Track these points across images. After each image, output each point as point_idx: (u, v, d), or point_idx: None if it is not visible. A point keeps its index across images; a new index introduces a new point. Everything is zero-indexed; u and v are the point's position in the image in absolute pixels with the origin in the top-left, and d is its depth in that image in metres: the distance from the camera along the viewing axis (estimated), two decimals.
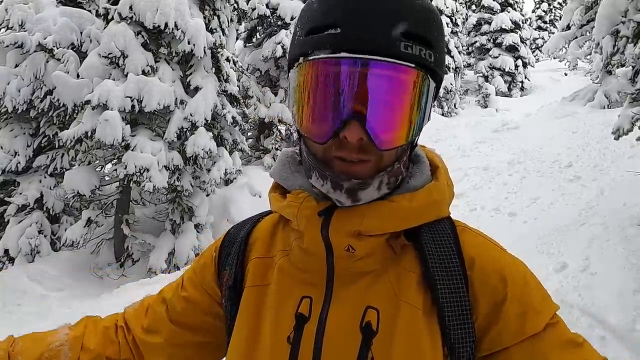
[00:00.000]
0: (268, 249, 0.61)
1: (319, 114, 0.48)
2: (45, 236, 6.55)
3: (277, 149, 9.15)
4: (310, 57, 0.47)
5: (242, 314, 0.58)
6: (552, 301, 0.54)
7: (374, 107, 0.46)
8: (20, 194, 6.60)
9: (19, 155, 6.63)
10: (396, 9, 0.47)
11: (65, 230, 6.45)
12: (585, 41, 10.53)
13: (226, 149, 7.15)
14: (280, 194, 0.58)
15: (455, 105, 14.27)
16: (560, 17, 13.90)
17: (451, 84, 13.75)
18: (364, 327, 0.49)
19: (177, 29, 5.99)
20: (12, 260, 6.34)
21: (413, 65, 0.46)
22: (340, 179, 0.49)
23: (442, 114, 13.25)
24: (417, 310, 0.50)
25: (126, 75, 5.87)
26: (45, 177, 6.77)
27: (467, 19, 17.26)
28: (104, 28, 6.11)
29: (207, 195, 6.92)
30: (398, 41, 0.46)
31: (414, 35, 0.47)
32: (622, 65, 9.44)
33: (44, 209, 6.65)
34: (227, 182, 7.60)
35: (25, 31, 6.24)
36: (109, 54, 5.86)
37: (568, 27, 11.01)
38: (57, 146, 6.81)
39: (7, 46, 6.19)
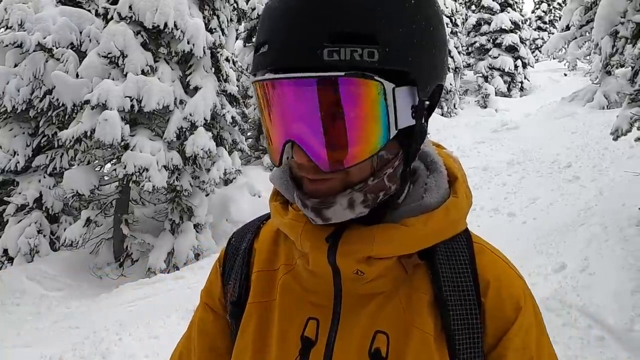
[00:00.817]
0: (271, 261, 0.57)
1: (269, 137, 0.46)
2: (44, 236, 6.55)
3: None
4: (254, 79, 0.45)
5: (246, 332, 0.54)
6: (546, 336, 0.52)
7: (306, 128, 0.41)
8: (20, 193, 6.59)
9: (18, 154, 6.62)
10: (323, 9, 0.39)
11: (65, 230, 6.45)
12: (585, 42, 10.55)
13: (225, 148, 7.15)
14: (282, 203, 0.53)
15: (454, 106, 14.28)
16: (560, 18, 13.92)
17: (451, 84, 13.76)
18: (372, 353, 0.47)
19: (177, 29, 5.99)
20: (11, 260, 6.33)
21: (341, 74, 0.38)
22: (305, 198, 0.45)
23: (442, 114, 13.26)
24: (428, 336, 0.47)
25: (125, 75, 5.87)
26: (44, 177, 6.77)
27: (466, 19, 17.27)
28: (104, 28, 6.11)
29: (207, 195, 6.92)
30: (320, 48, 0.38)
31: (344, 36, 0.38)
32: (622, 66, 9.46)
33: (43, 208, 6.64)
34: (227, 182, 7.60)
35: (24, 31, 6.23)
36: (109, 53, 5.86)
37: (567, 28, 11.02)
38: (56, 146, 6.81)
39: (7, 46, 6.19)
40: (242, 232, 0.63)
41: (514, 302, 0.49)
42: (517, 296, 0.50)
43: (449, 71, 13.91)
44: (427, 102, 0.46)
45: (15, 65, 6.50)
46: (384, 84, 0.40)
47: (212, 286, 0.61)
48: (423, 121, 0.47)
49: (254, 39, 10.34)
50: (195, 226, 6.65)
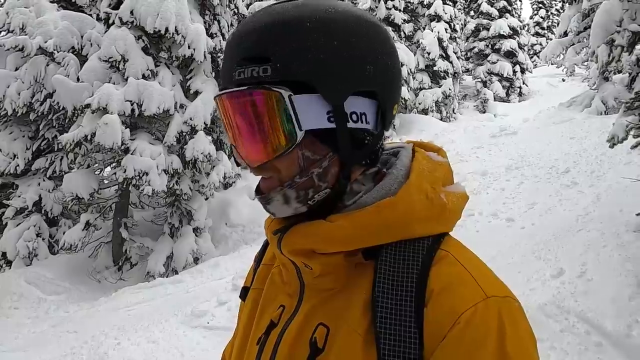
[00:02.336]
0: (272, 257, 0.65)
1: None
2: (43, 239, 6.54)
3: None
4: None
5: (243, 312, 0.65)
6: None
7: (235, 133, 0.52)
8: (19, 196, 6.59)
9: (17, 158, 6.63)
10: (241, 39, 0.51)
11: (64, 233, 6.45)
12: (583, 48, 10.63)
13: (225, 152, 7.17)
14: None
15: (453, 110, 14.34)
16: (558, 24, 14.04)
17: (450, 89, 13.83)
18: (312, 342, 0.51)
19: (178, 34, 6.03)
20: (9, 263, 6.32)
21: (244, 88, 0.49)
22: (257, 194, 0.55)
23: (441, 119, 13.32)
24: (358, 335, 0.48)
25: (126, 79, 5.90)
26: (43, 180, 6.77)
27: (465, 25, 17.39)
28: (105, 32, 6.15)
29: (206, 199, 6.93)
30: (233, 71, 0.50)
31: (247, 59, 0.49)
32: (619, 72, 9.53)
33: (42, 212, 6.64)
34: (226, 185, 7.62)
35: (26, 35, 6.27)
36: (110, 57, 5.89)
37: (565, 34, 11.11)
38: (56, 149, 6.82)
39: (8, 49, 6.22)
40: None
41: (453, 314, 0.45)
42: (459, 309, 0.45)
43: (448, 76, 14.01)
44: (358, 109, 0.50)
45: (16, 69, 6.53)
46: (281, 92, 0.47)
47: (248, 273, 0.72)
48: (368, 126, 0.51)
49: None
50: (195, 230, 6.65)
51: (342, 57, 0.49)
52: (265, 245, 0.68)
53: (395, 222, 0.49)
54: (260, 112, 0.49)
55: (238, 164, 0.56)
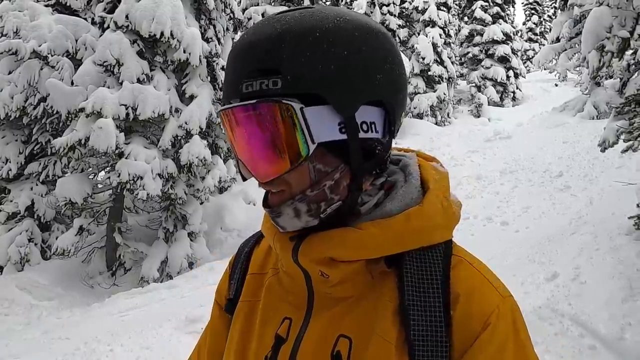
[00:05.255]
0: (263, 265, 0.63)
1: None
2: (35, 244, 6.46)
3: None
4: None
5: (234, 327, 0.60)
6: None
7: (242, 147, 0.50)
8: (11, 201, 6.52)
9: (10, 162, 6.57)
10: (248, 52, 0.48)
11: (56, 238, 6.38)
12: (575, 53, 10.78)
13: (221, 157, 7.15)
14: None
15: (448, 115, 14.43)
16: (550, 30, 14.22)
17: (444, 94, 13.94)
18: (334, 356, 0.49)
19: (173, 38, 6.03)
20: (0, 268, 6.23)
21: (254, 102, 0.47)
22: (265, 208, 0.53)
23: (436, 123, 13.40)
24: (390, 344, 0.48)
25: (121, 83, 5.88)
26: (36, 185, 6.71)
27: (459, 30, 17.57)
28: (100, 36, 6.13)
29: (201, 203, 6.89)
30: (240, 84, 0.48)
31: (255, 71, 0.47)
32: (611, 77, 9.67)
33: (35, 216, 6.57)
34: (222, 190, 7.59)
35: (19, 38, 6.23)
36: (104, 61, 5.88)
37: (558, 40, 11.26)
38: (49, 153, 6.76)
39: (2, 53, 6.18)
40: (249, 239, 0.70)
41: (482, 317, 0.47)
42: (487, 312, 0.48)
43: (442, 81, 14.13)
44: (371, 120, 0.50)
45: (10, 73, 6.48)
46: (292, 104, 0.46)
47: (222, 284, 0.68)
48: (377, 135, 0.50)
49: None
50: (190, 234, 6.61)
51: (354, 67, 0.48)
52: (248, 253, 0.65)
53: (421, 229, 0.50)
54: (271, 126, 0.47)
55: (244, 178, 0.54)
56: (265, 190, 0.53)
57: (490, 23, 16.83)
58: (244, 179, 0.54)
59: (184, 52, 6.17)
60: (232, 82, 0.49)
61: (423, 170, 0.56)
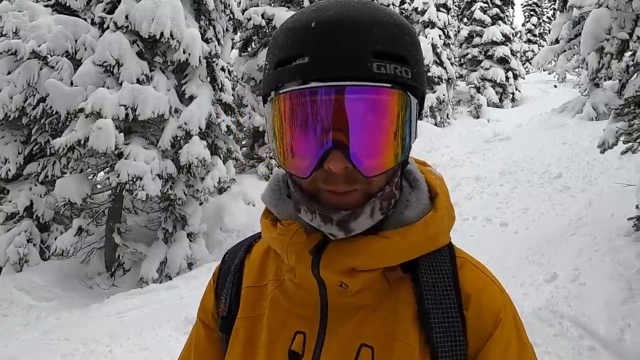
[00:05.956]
0: (260, 277, 0.59)
1: (298, 148, 0.46)
2: (34, 245, 6.45)
3: (271, 158, 9.16)
4: (282, 90, 0.45)
5: (235, 347, 0.56)
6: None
7: (354, 134, 0.44)
8: (10, 201, 6.50)
9: (9, 162, 6.55)
10: (364, 29, 0.43)
11: (55, 239, 6.36)
12: (574, 55, 10.80)
13: (220, 157, 7.15)
14: (272, 220, 0.55)
15: (447, 116, 14.45)
16: (549, 31, 14.25)
17: (444, 95, 13.95)
18: None
19: (173, 39, 6.03)
20: None
21: (389, 85, 0.43)
22: (330, 212, 0.46)
23: (435, 124, 13.41)
24: (412, 349, 0.48)
25: (121, 84, 5.87)
26: (35, 185, 6.69)
27: (459, 32, 17.60)
28: (99, 36, 6.13)
29: (201, 203, 6.89)
30: (370, 62, 0.43)
31: (386, 54, 0.44)
32: (610, 79, 9.69)
33: (34, 217, 6.55)
34: (221, 190, 7.58)
35: (19, 38, 6.23)
36: (104, 62, 5.87)
37: (557, 41, 11.29)
38: (48, 154, 6.75)
39: (1, 53, 6.16)
40: (235, 249, 0.66)
41: (493, 315, 0.50)
42: (496, 309, 0.51)
43: (442, 82, 14.15)
44: None
45: (9, 73, 6.47)
46: (411, 98, 0.46)
47: (206, 302, 0.64)
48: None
49: (249, 49, 10.51)
50: (189, 235, 6.60)
51: (422, 63, 0.50)
52: (239, 265, 0.61)
53: (437, 235, 0.51)
54: (397, 116, 0.44)
55: (308, 172, 0.45)
56: (308, 193, 0.47)
57: (489, 24, 16.86)
58: (307, 176, 0.46)
59: (184, 52, 6.16)
60: (348, 57, 0.43)
61: (427, 175, 0.56)
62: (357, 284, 0.50)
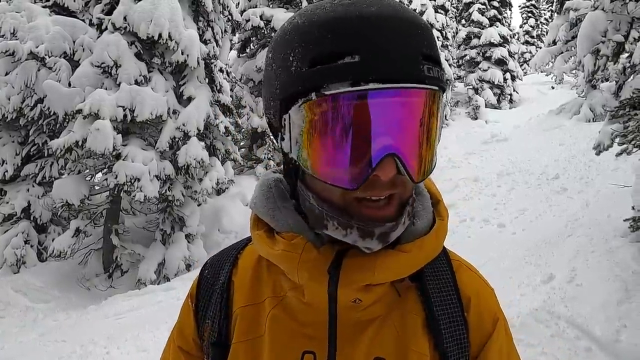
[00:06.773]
0: (254, 294, 0.53)
1: (345, 156, 0.41)
2: (31, 246, 6.43)
3: (269, 159, 9.17)
4: (328, 92, 0.40)
5: None
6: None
7: (409, 139, 0.41)
8: (7, 202, 6.48)
9: (6, 163, 6.53)
10: (412, 30, 0.41)
11: (53, 240, 6.35)
12: (571, 56, 10.85)
13: (218, 158, 7.14)
14: (266, 232, 0.50)
15: (445, 117, 14.49)
16: (547, 33, 14.31)
17: None
18: None
19: (171, 40, 6.03)
20: None
21: (437, 88, 0.42)
22: (371, 226, 0.43)
23: None
24: (425, 356, 0.48)
25: (119, 85, 5.87)
26: (33, 186, 6.68)
27: (457, 33, 17.67)
28: (97, 38, 6.12)
29: (199, 205, 6.88)
30: (421, 64, 0.41)
31: (429, 56, 0.42)
32: (607, 80, 9.74)
33: (31, 218, 6.54)
34: (219, 191, 7.57)
35: (17, 39, 6.21)
36: (102, 63, 5.87)
37: (554, 43, 11.34)
38: (46, 155, 6.74)
39: None
40: (216, 264, 0.58)
41: (492, 315, 0.53)
42: (494, 310, 0.54)
43: None
44: None
45: (7, 74, 6.46)
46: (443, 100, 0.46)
47: (184, 326, 0.58)
48: None
49: (247, 50, 10.51)
50: (187, 236, 6.60)
51: None
52: (226, 283, 0.54)
53: (442, 243, 0.51)
54: (439, 120, 0.44)
55: (358, 183, 0.41)
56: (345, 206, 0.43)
57: (487, 26, 16.93)
58: (357, 187, 0.41)
59: (182, 53, 6.17)
60: (403, 58, 0.40)
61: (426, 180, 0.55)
62: (370, 298, 0.49)
